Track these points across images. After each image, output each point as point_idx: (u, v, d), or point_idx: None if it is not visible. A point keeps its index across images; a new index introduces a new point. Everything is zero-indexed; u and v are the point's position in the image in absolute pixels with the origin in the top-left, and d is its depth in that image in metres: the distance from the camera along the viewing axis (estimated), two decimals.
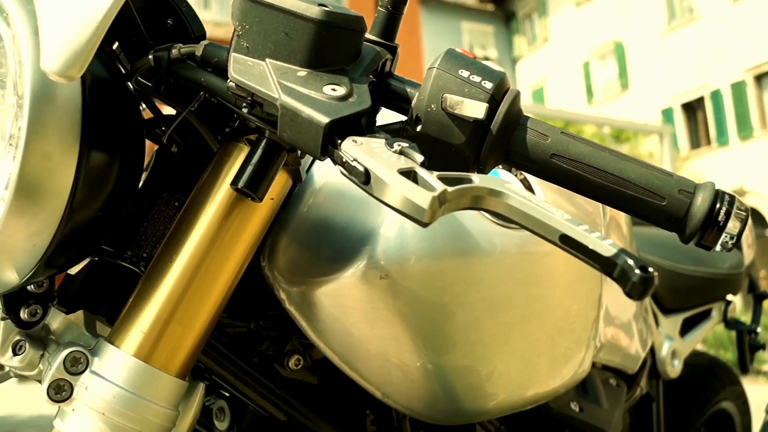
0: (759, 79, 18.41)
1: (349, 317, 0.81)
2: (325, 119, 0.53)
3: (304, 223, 0.82)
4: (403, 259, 0.80)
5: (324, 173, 0.84)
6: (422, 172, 0.50)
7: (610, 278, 0.48)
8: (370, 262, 0.78)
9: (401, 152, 0.52)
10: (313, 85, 0.56)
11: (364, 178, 0.50)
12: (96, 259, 0.75)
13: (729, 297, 1.79)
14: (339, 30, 0.57)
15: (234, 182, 0.63)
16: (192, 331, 0.66)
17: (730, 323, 1.84)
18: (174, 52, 0.64)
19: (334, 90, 0.56)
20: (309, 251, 0.82)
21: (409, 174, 0.50)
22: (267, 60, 0.57)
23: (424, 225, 0.49)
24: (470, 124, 0.57)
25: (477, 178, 0.52)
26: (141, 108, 0.75)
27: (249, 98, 0.57)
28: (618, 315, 1.27)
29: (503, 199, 0.51)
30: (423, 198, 0.48)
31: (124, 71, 0.69)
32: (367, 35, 0.64)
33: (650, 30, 21.29)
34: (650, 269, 0.47)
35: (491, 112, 0.57)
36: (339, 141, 0.53)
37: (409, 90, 0.62)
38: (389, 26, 0.65)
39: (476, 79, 0.57)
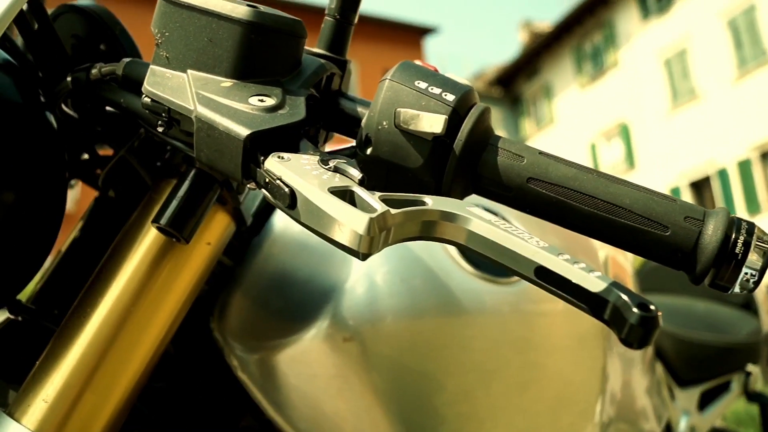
0: (765, 156, 18.45)
1: (313, 388, 0.70)
2: (245, 131, 0.44)
3: (260, 279, 0.73)
4: (374, 317, 0.69)
5: (283, 223, 0.75)
6: (360, 192, 0.41)
7: (601, 321, 0.38)
8: (333, 320, 0.68)
9: (336, 169, 0.43)
10: (237, 96, 0.47)
11: (289, 201, 0.41)
12: (17, 318, 0.65)
13: (749, 367, 1.65)
14: (271, 33, 0.49)
15: (156, 219, 0.53)
16: (109, 403, 0.55)
17: (751, 396, 1.69)
18: (94, 72, 0.55)
19: (261, 101, 0.47)
20: (265, 310, 0.72)
21: (344, 194, 0.41)
22: (188, 71, 0.49)
23: (361, 257, 0.40)
24: (428, 143, 0.48)
25: (430, 200, 0.42)
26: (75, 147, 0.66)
27: (165, 115, 0.49)
28: (628, 387, 1.14)
29: (462, 224, 0.41)
30: (358, 222, 0.38)
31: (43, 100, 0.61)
32: (313, 49, 0.56)
33: (655, 110, 21.50)
34: (651, 307, 0.36)
35: (453, 128, 0.48)
36: (262, 158, 0.44)
37: (359, 109, 0.53)
38: (338, 38, 0.56)
39: (435, 90, 0.48)
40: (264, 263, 0.73)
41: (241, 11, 0.48)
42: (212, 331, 0.71)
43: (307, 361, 0.69)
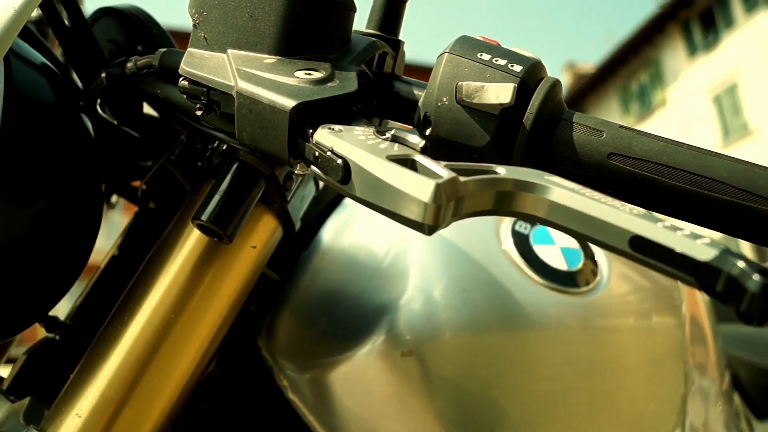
0: None
1: (369, 408, 0.64)
2: (291, 102, 0.40)
3: (309, 295, 0.68)
4: (433, 331, 0.64)
5: (333, 236, 0.70)
6: (423, 160, 0.36)
7: (713, 296, 0.32)
8: (389, 335, 0.63)
9: (394, 138, 0.38)
10: (282, 71, 0.43)
11: (342, 174, 0.36)
12: (54, 336, 0.62)
13: None
14: (317, 5, 0.44)
15: (196, 216, 0.49)
16: (148, 419, 0.50)
17: None
18: (129, 65, 0.52)
19: (308, 74, 0.43)
20: (316, 327, 0.67)
21: (405, 162, 0.36)
22: (229, 51, 0.45)
23: (427, 230, 0.34)
24: (494, 118, 0.42)
25: (503, 170, 0.37)
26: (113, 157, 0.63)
27: (204, 98, 0.45)
28: (707, 419, 1.04)
29: (542, 194, 0.36)
30: (423, 188, 0.33)
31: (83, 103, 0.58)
32: (363, 29, 0.52)
33: (706, 147, 21.06)
34: None
35: (521, 101, 0.43)
36: (311, 132, 0.39)
37: (416, 91, 0.49)
38: (389, 16, 0.51)
39: (501, 62, 0.43)
40: (313, 278, 0.69)
41: None
42: (260, 351, 0.66)
43: (362, 380, 0.63)
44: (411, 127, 0.48)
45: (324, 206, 0.75)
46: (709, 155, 0.41)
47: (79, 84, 0.58)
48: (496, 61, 0.43)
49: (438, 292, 0.66)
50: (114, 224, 1.78)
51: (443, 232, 0.70)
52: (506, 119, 0.42)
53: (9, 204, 0.48)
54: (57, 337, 0.62)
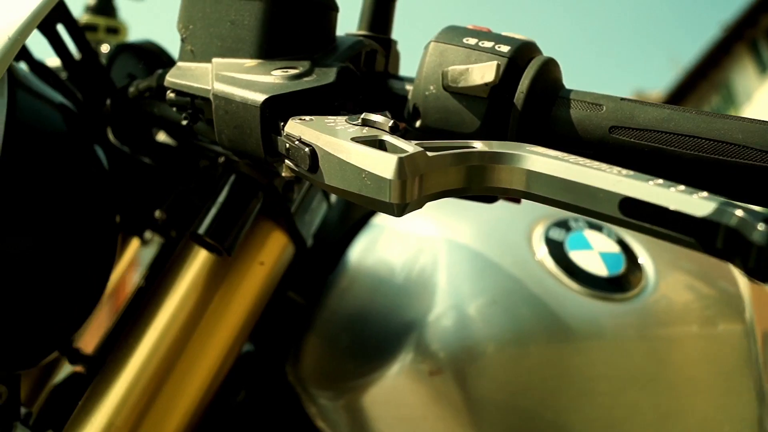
0: None
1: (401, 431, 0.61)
2: (261, 97, 0.38)
3: (335, 317, 0.65)
4: (464, 347, 0.60)
5: (358, 257, 0.68)
6: (391, 139, 0.33)
7: (714, 255, 0.28)
8: (417, 352, 0.59)
9: (364, 122, 0.36)
10: (260, 71, 0.42)
11: (310, 161, 0.34)
12: (81, 371, 0.61)
13: None
14: (296, 5, 0.43)
15: (193, 230, 0.48)
16: None
17: None
18: (131, 90, 0.53)
19: (285, 71, 0.41)
20: (343, 350, 0.64)
21: (372, 143, 0.33)
22: (213, 59, 0.45)
23: (396, 211, 0.32)
24: (483, 101, 0.40)
25: (479, 144, 0.34)
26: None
27: (189, 107, 0.44)
28: None
29: (519, 164, 0.33)
30: (385, 164, 0.31)
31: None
32: (352, 32, 0.51)
33: None
34: None
35: (511, 80, 0.40)
36: (282, 125, 0.38)
37: (407, 86, 0.47)
38: (378, 15, 0.50)
39: (487, 44, 0.41)
40: (339, 300, 0.66)
41: None
42: (287, 377, 0.64)
43: (392, 402, 0.60)
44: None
45: (349, 228, 0.73)
46: (720, 118, 0.37)
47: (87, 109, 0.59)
48: (483, 44, 0.41)
49: (469, 306, 0.63)
50: None
51: (472, 244, 0.67)
52: (496, 101, 0.40)
53: (20, 233, 0.48)
54: (83, 371, 0.61)
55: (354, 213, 0.75)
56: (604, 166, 0.31)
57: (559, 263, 0.65)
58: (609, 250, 0.66)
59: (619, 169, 0.31)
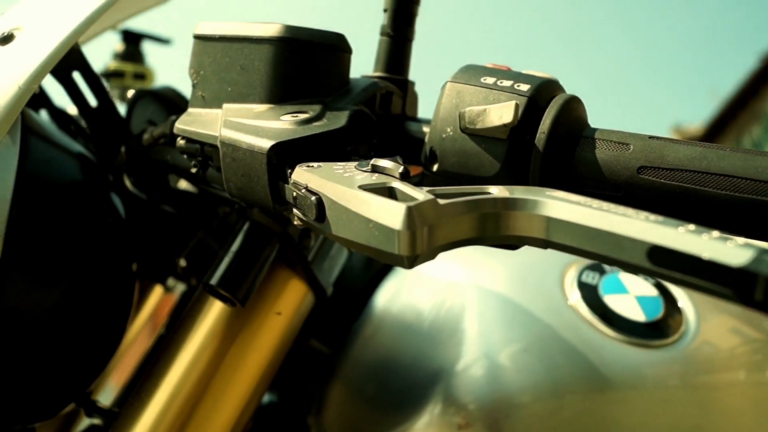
0: None
1: None
2: (268, 143, 0.37)
3: (360, 367, 0.63)
4: (496, 398, 0.57)
5: (384, 305, 0.66)
6: (401, 186, 0.31)
7: (754, 308, 0.25)
8: (446, 404, 0.57)
9: (374, 168, 0.34)
10: (270, 116, 0.40)
11: (316, 211, 0.33)
12: (99, 424, 0.60)
13: None
14: (307, 48, 0.42)
15: (205, 280, 0.46)
16: None
17: None
18: (146, 137, 0.52)
19: (295, 116, 0.40)
20: (368, 401, 0.61)
21: (381, 191, 0.31)
22: (224, 105, 0.43)
23: (406, 263, 0.30)
24: (503, 143, 0.38)
25: (495, 189, 0.32)
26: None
27: (199, 155, 0.43)
28: None
29: (538, 210, 0.30)
30: (393, 214, 0.29)
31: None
32: (368, 74, 0.49)
33: None
34: None
35: (532, 121, 0.38)
36: (290, 172, 0.36)
37: (425, 128, 0.45)
38: (395, 56, 0.48)
39: (506, 83, 0.39)
40: (364, 349, 0.64)
41: (271, 29, 0.42)
42: (310, 429, 0.62)
43: None
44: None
45: (374, 275, 0.71)
46: (758, 155, 0.34)
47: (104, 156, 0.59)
48: (501, 83, 0.39)
49: (499, 355, 0.60)
50: None
51: (501, 289, 0.64)
52: (516, 143, 0.38)
53: (35, 283, 0.48)
54: (100, 423, 0.60)
55: (377, 261, 0.73)
56: (630, 211, 0.28)
57: (594, 308, 0.62)
58: (646, 294, 0.63)
59: (647, 214, 0.28)
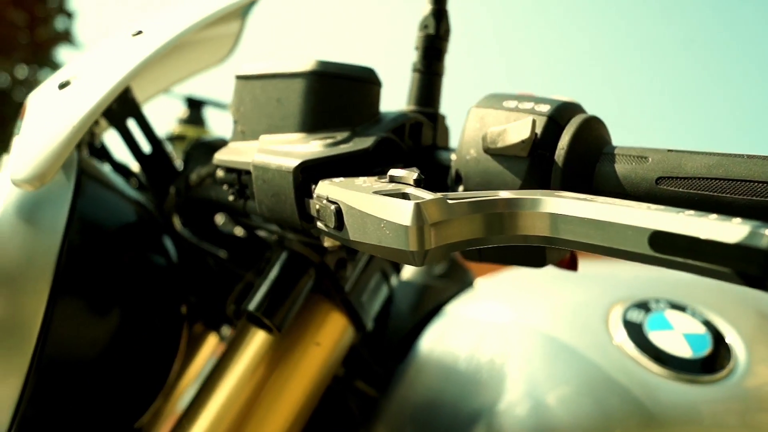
0: None
1: None
2: (295, 162, 0.39)
3: (406, 408, 0.63)
4: None
5: (428, 348, 0.66)
6: (414, 190, 0.33)
7: (752, 285, 0.25)
8: None
9: (391, 179, 0.36)
10: (301, 142, 0.43)
11: (335, 220, 0.35)
12: None
13: None
14: (338, 81, 0.45)
15: (243, 306, 0.48)
16: None
17: None
18: (193, 177, 0.55)
19: (324, 140, 0.42)
20: None
21: (395, 195, 0.33)
22: (261, 137, 0.47)
23: (416, 260, 0.31)
24: (524, 161, 0.39)
25: (503, 193, 0.34)
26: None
27: (236, 183, 0.46)
28: None
29: (541, 208, 0.31)
30: (402, 211, 0.30)
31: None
32: (401, 108, 0.52)
33: None
34: None
35: (551, 139, 0.39)
36: (314, 188, 0.38)
37: (452, 156, 0.47)
38: (425, 90, 0.51)
39: (527, 106, 0.41)
40: (409, 390, 0.64)
41: (305, 64, 0.45)
42: None
43: None
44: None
45: (420, 318, 0.72)
46: None
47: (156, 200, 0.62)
48: (522, 106, 0.41)
49: (545, 395, 0.59)
50: None
51: (545, 329, 0.64)
52: (537, 159, 0.39)
53: (83, 319, 0.50)
54: None
55: (425, 304, 0.74)
56: (631, 203, 0.29)
57: (641, 346, 0.61)
58: (693, 331, 0.62)
59: (647, 204, 0.29)
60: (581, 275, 0.75)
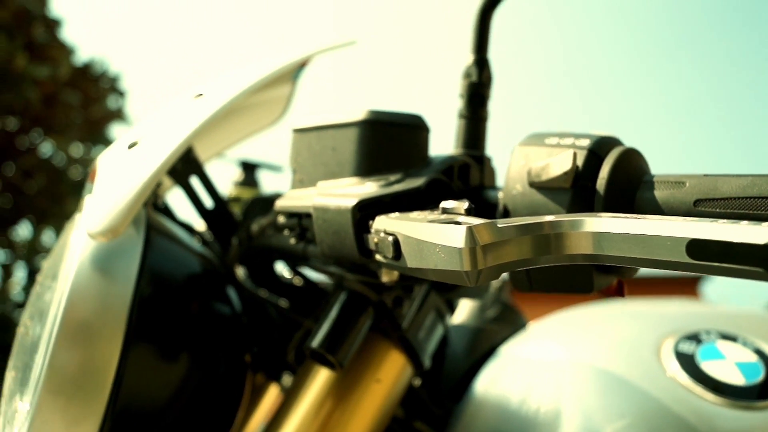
0: None
1: None
2: (353, 201, 0.43)
3: None
4: None
5: (485, 388, 0.68)
6: (466, 218, 0.36)
7: None
8: None
9: (444, 210, 0.39)
10: (356, 184, 0.47)
11: (393, 250, 0.38)
12: None
13: None
14: (389, 128, 0.49)
15: (306, 344, 0.51)
16: None
17: None
18: (254, 227, 0.59)
19: (378, 180, 0.46)
20: None
21: (448, 222, 0.37)
22: (318, 183, 0.51)
23: (469, 279, 0.34)
24: (567, 192, 0.42)
25: (549, 217, 0.36)
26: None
27: (297, 227, 0.50)
28: None
29: (584, 228, 0.34)
30: (455, 235, 0.34)
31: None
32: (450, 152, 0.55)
33: None
34: None
35: (592, 170, 0.42)
36: (371, 224, 0.42)
37: (500, 194, 0.50)
38: (471, 135, 0.54)
39: (568, 141, 0.44)
40: (468, 431, 0.66)
41: (357, 114, 0.50)
42: None
43: None
44: None
45: (476, 359, 0.74)
46: None
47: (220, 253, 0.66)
48: (564, 141, 0.44)
49: (601, 431, 0.60)
50: None
51: (599, 364, 0.65)
52: (580, 190, 0.42)
53: (156, 367, 0.54)
54: None
55: (480, 346, 0.76)
56: (669, 217, 0.32)
57: (693, 376, 0.62)
58: (745, 360, 0.63)
59: (683, 217, 0.32)
60: (630, 313, 0.76)
